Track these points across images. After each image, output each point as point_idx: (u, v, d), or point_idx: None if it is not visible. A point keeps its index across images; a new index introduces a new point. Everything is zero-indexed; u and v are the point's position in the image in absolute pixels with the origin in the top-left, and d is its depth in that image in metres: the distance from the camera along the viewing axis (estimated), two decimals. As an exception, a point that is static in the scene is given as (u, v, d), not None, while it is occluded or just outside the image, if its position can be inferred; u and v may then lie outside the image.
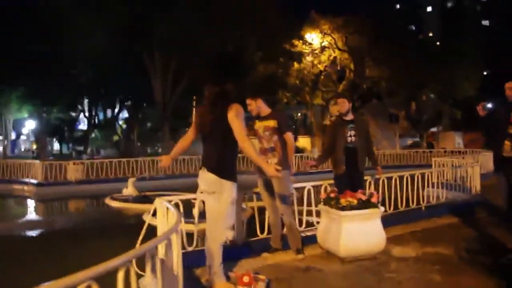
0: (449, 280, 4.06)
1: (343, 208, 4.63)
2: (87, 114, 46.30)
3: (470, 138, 33.00)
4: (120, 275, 1.82)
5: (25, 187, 14.64)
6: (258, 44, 27.91)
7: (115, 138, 52.74)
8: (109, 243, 7.71)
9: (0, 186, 14.95)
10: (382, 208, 4.84)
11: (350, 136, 5.42)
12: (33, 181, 14.55)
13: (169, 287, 2.55)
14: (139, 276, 2.88)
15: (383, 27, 36.19)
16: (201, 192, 4.07)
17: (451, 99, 33.69)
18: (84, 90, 37.02)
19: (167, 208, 4.24)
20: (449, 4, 76.93)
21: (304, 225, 5.55)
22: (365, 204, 4.65)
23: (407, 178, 6.97)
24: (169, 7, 23.21)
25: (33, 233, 9.17)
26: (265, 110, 4.78)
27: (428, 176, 7.56)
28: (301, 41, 30.61)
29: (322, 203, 4.97)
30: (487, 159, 12.77)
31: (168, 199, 4.36)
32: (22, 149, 53.88)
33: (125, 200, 10.88)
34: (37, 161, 14.92)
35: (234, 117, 3.65)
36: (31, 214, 12.00)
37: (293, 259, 4.71)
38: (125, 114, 48.73)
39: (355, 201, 4.63)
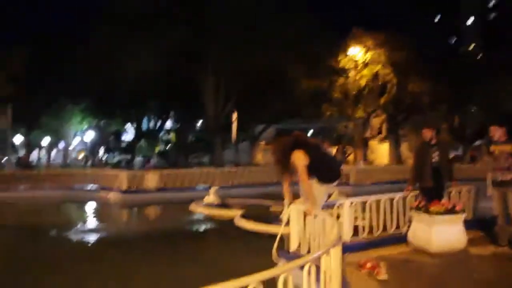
0: None
1: (432, 214, 5.95)
2: (135, 124, 48.39)
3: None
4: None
5: (111, 194, 16.28)
6: (302, 61, 29.17)
7: (157, 148, 55.00)
8: (203, 245, 9.25)
9: (88, 194, 16.86)
10: (465, 215, 6.14)
11: (434, 157, 6.79)
12: (119, 188, 16.19)
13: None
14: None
15: (425, 41, 37.07)
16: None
17: (496, 113, 33.96)
18: (136, 104, 39.35)
19: (298, 214, 5.63)
20: (491, 15, 76.13)
21: (393, 228, 6.82)
22: (450, 211, 5.96)
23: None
24: (216, 29, 24.94)
25: (134, 236, 10.41)
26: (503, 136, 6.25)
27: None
28: (345, 57, 31.78)
29: (413, 210, 6.31)
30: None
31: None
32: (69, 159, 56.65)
33: (209, 206, 12.29)
34: (123, 171, 16.62)
35: None
36: (127, 219, 13.75)
37: (389, 253, 6.05)
38: (168, 124, 50.72)
39: (443, 209, 5.95)
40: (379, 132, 41.22)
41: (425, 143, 7.00)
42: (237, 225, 9.75)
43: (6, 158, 31.00)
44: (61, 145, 44.40)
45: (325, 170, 5.45)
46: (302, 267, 2.90)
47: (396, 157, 32.97)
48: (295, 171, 5.28)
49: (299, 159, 5.15)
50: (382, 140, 40.34)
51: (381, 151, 40.18)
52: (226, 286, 2.20)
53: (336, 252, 3.53)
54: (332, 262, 3.42)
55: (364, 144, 37.76)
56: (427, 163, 6.82)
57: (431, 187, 6.72)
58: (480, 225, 7.23)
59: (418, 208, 6.19)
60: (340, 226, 3.99)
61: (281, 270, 2.61)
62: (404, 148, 36.46)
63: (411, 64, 31.30)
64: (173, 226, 11.66)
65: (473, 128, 36.61)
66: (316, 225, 5.02)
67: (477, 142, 39.09)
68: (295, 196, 5.67)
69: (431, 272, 5.35)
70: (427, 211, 6.01)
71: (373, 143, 41.41)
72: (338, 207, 6.30)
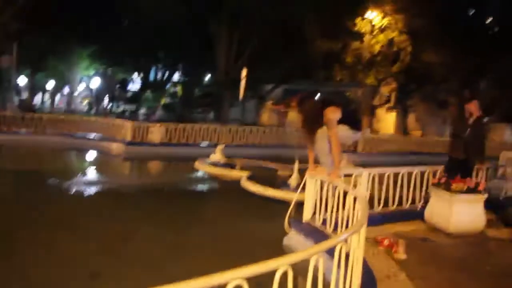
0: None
1: (453, 192, 5.64)
2: (141, 75, 47.48)
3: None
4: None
5: (114, 145, 15.79)
6: (319, 20, 28.40)
7: (163, 100, 54.42)
8: (207, 205, 9.08)
9: (90, 143, 16.43)
10: (486, 195, 5.82)
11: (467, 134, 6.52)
12: (123, 140, 15.65)
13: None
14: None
15: (445, 11, 35.72)
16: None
17: (510, 89, 33.09)
18: (145, 53, 38.58)
19: (316, 182, 5.34)
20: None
21: (409, 203, 6.53)
22: (472, 190, 5.65)
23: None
24: None
25: (135, 192, 9.94)
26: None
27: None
28: (363, 20, 30.76)
29: (433, 186, 6.00)
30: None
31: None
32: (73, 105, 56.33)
33: (214, 165, 12.02)
34: (128, 122, 16.17)
35: None
36: (129, 173, 13.57)
37: (405, 230, 5.78)
38: (176, 77, 49.83)
39: (465, 187, 5.63)
40: (387, 101, 40.55)
41: (463, 118, 6.75)
42: (243, 187, 9.50)
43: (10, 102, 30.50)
44: (66, 90, 43.94)
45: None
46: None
47: (403, 128, 32.53)
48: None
49: (334, 113, 5.21)
50: (390, 110, 39.74)
51: (387, 121, 39.63)
52: (253, 270, 1.91)
53: (363, 231, 3.23)
54: (359, 241, 3.13)
55: (371, 112, 37.17)
56: (460, 137, 6.58)
57: (460, 161, 6.46)
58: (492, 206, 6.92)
59: (438, 185, 5.88)
60: (365, 201, 3.67)
61: (311, 252, 2.32)
62: (411, 119, 35.93)
63: (428, 33, 30.33)
64: (177, 183, 11.40)
65: (483, 104, 35.78)
66: (336, 195, 4.76)
67: (485, 119, 38.44)
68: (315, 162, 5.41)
69: (450, 254, 5.09)
70: (448, 188, 5.70)
71: (380, 112, 40.83)
72: (355, 177, 5.99)
